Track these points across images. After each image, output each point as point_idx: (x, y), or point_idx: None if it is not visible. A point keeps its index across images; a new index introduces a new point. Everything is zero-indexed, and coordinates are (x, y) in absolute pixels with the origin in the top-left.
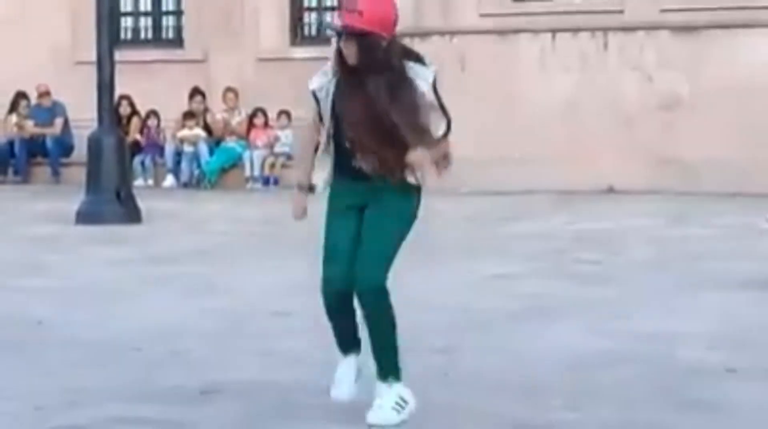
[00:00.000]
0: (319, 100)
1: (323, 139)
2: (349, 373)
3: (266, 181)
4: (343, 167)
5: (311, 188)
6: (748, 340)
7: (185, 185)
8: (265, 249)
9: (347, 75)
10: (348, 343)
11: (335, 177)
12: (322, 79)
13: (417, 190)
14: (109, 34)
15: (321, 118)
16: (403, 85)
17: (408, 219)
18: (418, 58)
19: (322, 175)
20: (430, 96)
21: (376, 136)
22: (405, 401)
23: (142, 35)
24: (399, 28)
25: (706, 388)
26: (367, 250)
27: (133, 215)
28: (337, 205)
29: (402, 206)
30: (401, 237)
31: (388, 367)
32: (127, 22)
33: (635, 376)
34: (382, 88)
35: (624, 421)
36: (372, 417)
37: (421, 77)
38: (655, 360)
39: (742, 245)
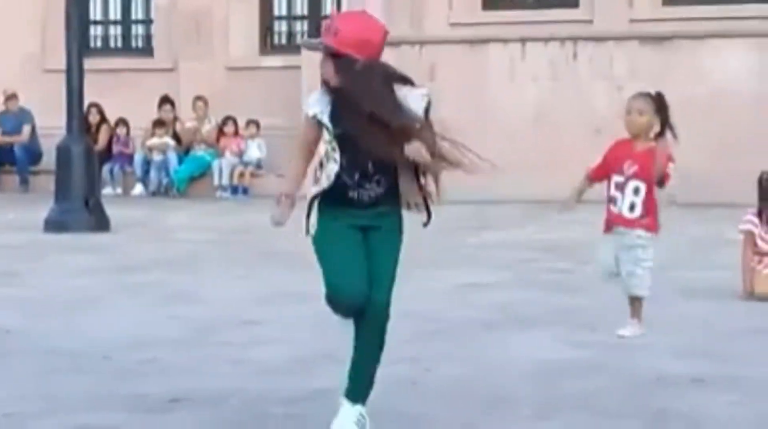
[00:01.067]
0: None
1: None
2: None
3: (235, 190)
4: (336, 198)
5: (307, 231)
6: (717, 350)
7: (154, 194)
8: (234, 258)
9: (337, 95)
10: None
11: (326, 204)
12: (321, 101)
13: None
14: (79, 42)
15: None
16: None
17: (401, 235)
18: (406, 80)
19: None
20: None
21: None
22: (364, 417)
23: (112, 44)
24: None
25: (675, 397)
26: (383, 271)
27: (101, 224)
28: (336, 225)
29: (400, 224)
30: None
31: (365, 389)
32: (96, 31)
33: (605, 386)
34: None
35: None
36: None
37: (411, 100)
38: (624, 369)
39: (710, 255)
